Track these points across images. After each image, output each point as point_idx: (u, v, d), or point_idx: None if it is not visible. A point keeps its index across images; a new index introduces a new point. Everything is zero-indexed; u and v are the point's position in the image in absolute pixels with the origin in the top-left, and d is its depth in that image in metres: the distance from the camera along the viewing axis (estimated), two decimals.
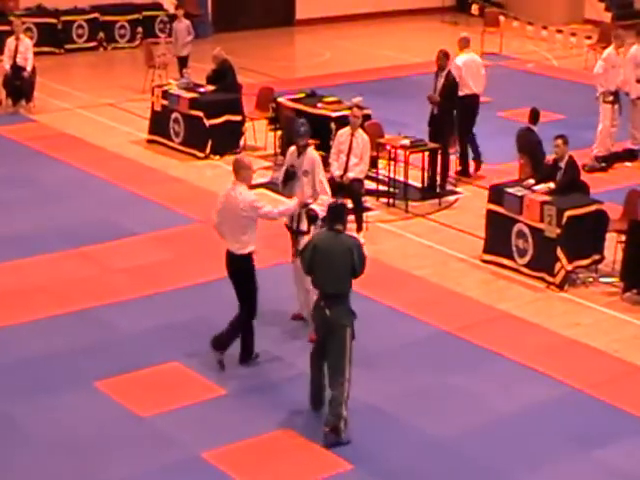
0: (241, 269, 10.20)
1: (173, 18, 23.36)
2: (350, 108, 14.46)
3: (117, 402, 9.76)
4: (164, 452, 9.05)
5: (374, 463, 8.93)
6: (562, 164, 12.80)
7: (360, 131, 13.87)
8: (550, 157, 13.25)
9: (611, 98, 16.42)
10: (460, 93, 15.32)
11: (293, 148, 11.26)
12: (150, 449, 9.11)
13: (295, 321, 11.26)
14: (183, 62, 20.14)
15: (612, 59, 16.59)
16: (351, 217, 13.78)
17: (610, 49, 16.83)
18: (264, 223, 10.53)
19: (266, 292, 10.58)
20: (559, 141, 12.77)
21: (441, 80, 15.00)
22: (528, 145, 14.19)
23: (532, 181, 12.93)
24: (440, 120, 15.06)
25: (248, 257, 10.17)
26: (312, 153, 11.15)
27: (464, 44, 15.87)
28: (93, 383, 10.06)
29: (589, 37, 24.54)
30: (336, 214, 9.41)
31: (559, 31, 26.09)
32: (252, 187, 15.35)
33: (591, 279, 12.47)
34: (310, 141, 11.31)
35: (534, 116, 14.31)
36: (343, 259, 9.19)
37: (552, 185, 12.57)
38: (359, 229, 13.68)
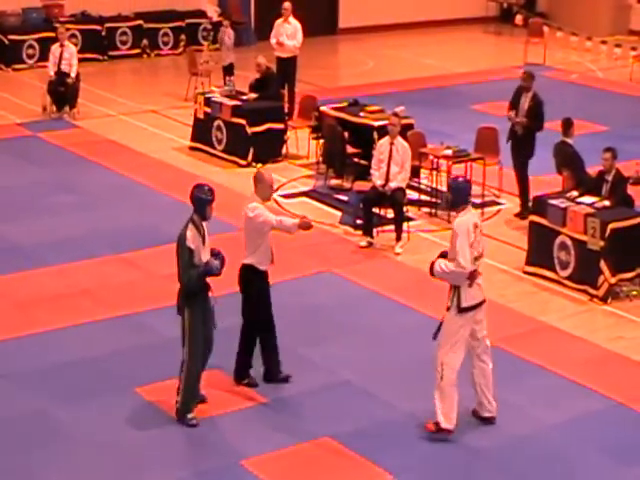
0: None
1: (218, 26, 23.39)
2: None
3: (158, 407, 9.82)
4: (203, 458, 9.09)
5: (415, 474, 8.91)
6: (609, 177, 12.73)
7: (399, 139, 13.84)
8: (595, 170, 13.17)
9: None
10: None
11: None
12: (190, 455, 9.16)
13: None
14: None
15: None
16: (392, 227, 13.84)
17: None
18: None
19: (306, 299, 10.52)
20: (608, 154, 12.69)
21: (527, 101, 14.71)
22: (566, 159, 14.07)
23: (575, 193, 12.87)
24: (524, 140, 14.75)
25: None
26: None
27: None
28: (135, 388, 10.13)
29: (634, 48, 24.39)
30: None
31: (603, 42, 25.97)
32: (294, 195, 15.58)
33: (635, 292, 12.38)
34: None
35: (566, 126, 14.07)
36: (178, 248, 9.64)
37: (607, 203, 12.49)
38: (398, 238, 13.64)
